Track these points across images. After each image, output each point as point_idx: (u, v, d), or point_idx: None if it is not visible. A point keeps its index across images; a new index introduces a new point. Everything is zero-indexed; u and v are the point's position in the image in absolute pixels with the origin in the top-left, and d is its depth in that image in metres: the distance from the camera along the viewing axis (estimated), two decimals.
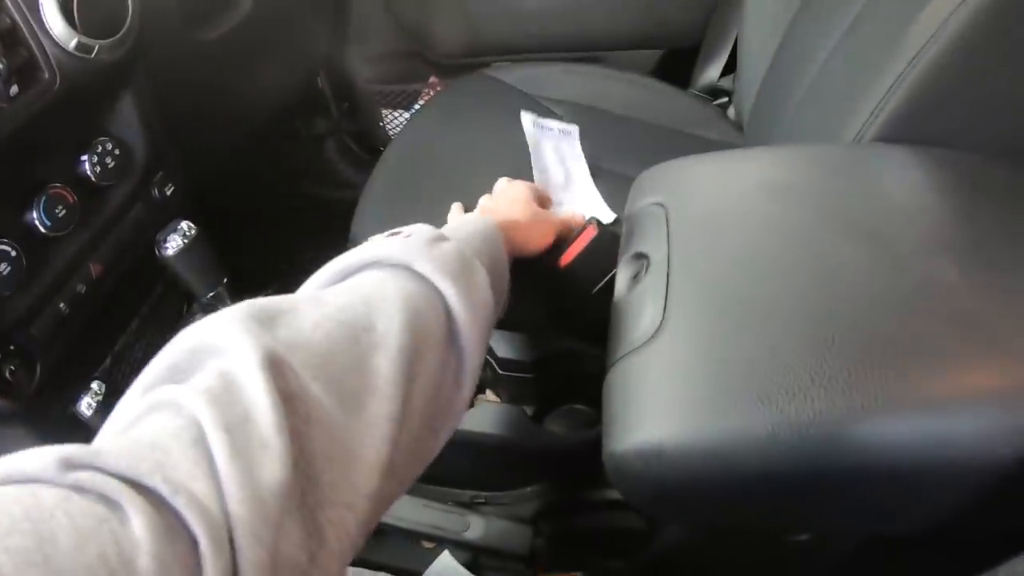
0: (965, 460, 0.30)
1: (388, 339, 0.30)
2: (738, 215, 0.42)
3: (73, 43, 0.55)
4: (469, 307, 0.34)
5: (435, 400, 0.32)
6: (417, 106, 0.98)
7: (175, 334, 0.75)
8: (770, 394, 0.30)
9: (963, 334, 0.32)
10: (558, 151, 0.71)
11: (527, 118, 0.71)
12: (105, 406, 0.60)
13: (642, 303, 0.38)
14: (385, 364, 0.29)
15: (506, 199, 0.56)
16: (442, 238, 0.37)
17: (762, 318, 0.34)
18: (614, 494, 0.50)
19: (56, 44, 0.55)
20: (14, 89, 0.53)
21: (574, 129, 0.72)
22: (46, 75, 0.55)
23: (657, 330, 0.35)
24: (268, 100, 0.80)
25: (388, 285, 0.33)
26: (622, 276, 0.41)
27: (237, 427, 0.24)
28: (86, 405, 0.59)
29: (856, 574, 0.40)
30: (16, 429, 0.62)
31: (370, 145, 1.04)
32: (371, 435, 0.27)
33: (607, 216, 0.65)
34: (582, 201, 0.67)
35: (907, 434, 0.30)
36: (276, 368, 0.26)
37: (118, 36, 0.57)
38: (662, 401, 0.33)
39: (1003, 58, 0.44)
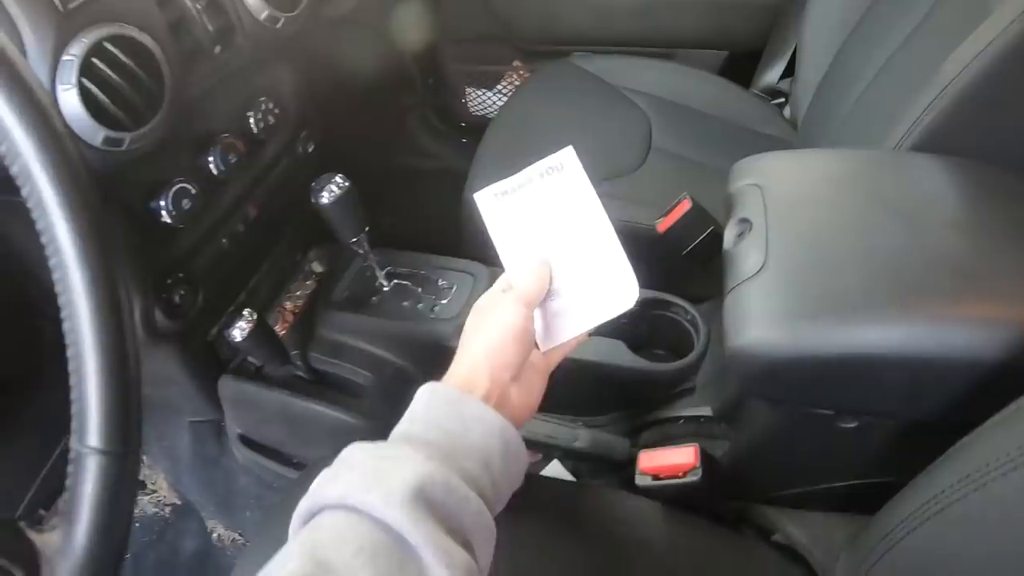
0: (958, 360, 0.51)
1: None
2: (813, 195, 0.64)
3: (264, 15, 0.74)
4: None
5: None
6: (499, 87, 1.19)
7: (293, 276, 0.96)
8: (832, 310, 0.52)
9: (962, 280, 0.53)
10: (543, 208, 0.53)
11: (484, 196, 0.54)
12: (254, 334, 0.78)
13: (748, 252, 0.59)
14: None
15: (465, 336, 0.48)
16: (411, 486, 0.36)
17: (829, 264, 0.55)
18: (698, 411, 0.72)
19: (251, 14, 0.73)
20: (217, 48, 0.72)
21: (564, 156, 0.53)
22: (240, 39, 0.74)
23: (760, 269, 0.57)
24: (370, 74, 0.99)
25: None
26: (730, 234, 0.62)
27: None
28: (239, 330, 0.78)
29: (890, 455, 0.60)
30: (167, 348, 0.81)
31: (451, 120, 1.24)
32: None
33: (631, 288, 0.51)
34: (595, 272, 0.51)
35: (921, 339, 0.51)
36: None
37: (298, 11, 0.77)
38: (763, 313, 0.53)
39: (1017, 92, 0.68)
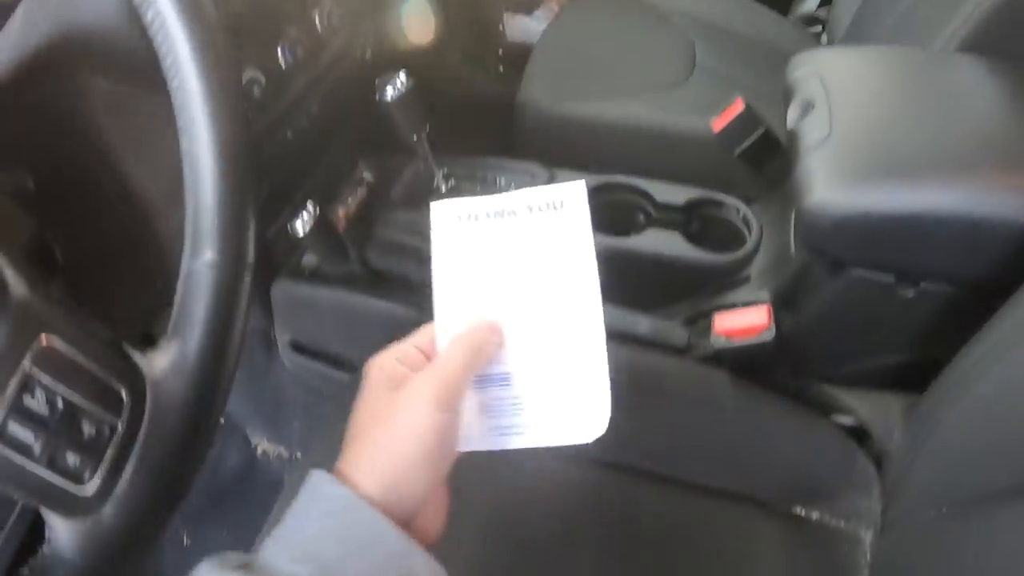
0: (1005, 222, 0.57)
1: None
2: (869, 80, 0.69)
3: None
4: None
5: None
6: (537, 12, 1.22)
7: (346, 181, 0.98)
8: (893, 173, 0.59)
9: (1009, 153, 0.60)
10: (519, 254, 0.40)
11: (441, 211, 0.41)
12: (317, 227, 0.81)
13: (812, 126, 0.64)
14: None
15: (358, 426, 0.38)
16: None
17: (889, 134, 0.62)
18: (756, 297, 0.76)
19: None
20: None
21: (570, 191, 0.40)
22: None
23: (825, 138, 0.62)
24: None
25: None
26: (793, 113, 0.67)
27: None
28: (301, 223, 0.81)
29: (942, 327, 0.65)
30: None
31: (488, 46, 1.27)
32: None
33: (601, 415, 0.38)
34: (563, 370, 0.38)
35: (972, 201, 0.57)
36: None
37: None
38: (830, 176, 0.59)
39: None
